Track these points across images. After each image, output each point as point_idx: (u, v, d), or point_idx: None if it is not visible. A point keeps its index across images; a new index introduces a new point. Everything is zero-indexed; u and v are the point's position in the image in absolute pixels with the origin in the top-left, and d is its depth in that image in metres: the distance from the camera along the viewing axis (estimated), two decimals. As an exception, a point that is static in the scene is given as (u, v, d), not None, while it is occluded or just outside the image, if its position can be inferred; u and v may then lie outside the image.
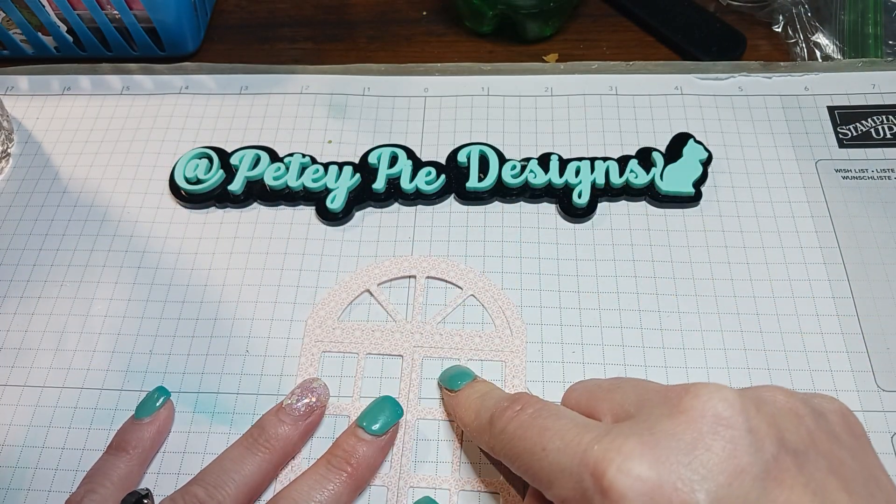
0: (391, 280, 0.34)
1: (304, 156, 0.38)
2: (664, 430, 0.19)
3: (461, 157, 0.37)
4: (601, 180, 0.36)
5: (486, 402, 0.26)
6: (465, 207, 0.36)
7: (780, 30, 0.44)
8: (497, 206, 0.37)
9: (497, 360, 0.32)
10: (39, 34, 0.43)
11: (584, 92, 0.40)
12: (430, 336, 0.32)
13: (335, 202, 0.36)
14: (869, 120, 0.38)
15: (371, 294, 0.34)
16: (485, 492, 0.28)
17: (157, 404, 0.30)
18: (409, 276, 0.34)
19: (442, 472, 0.29)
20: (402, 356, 0.32)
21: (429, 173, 0.37)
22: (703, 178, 0.36)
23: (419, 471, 0.29)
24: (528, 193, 0.36)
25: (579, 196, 0.35)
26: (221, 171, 0.37)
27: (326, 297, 0.33)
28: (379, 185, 0.37)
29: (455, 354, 0.32)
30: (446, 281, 0.34)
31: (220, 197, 0.37)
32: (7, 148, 0.39)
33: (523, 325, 0.32)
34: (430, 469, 0.29)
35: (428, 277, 0.34)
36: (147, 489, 0.26)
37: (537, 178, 0.36)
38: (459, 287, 0.33)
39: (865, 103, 0.39)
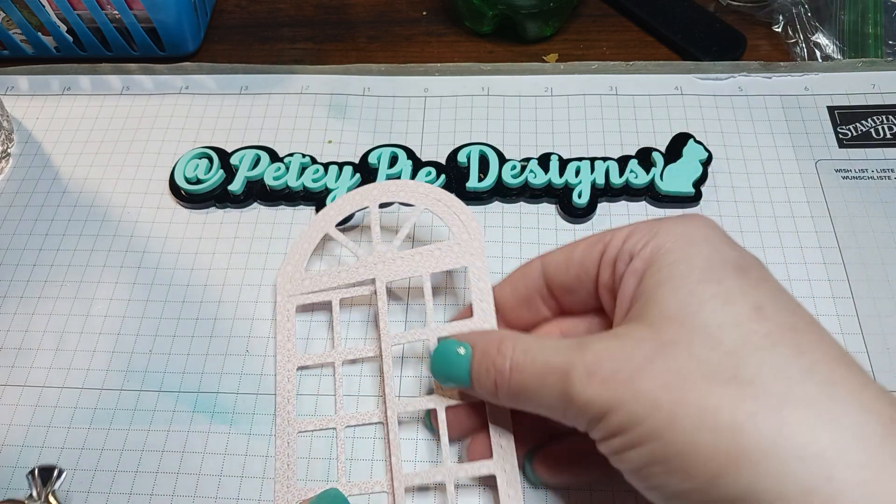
0: (347, 218, 0.34)
1: (304, 156, 0.38)
2: None
3: (461, 157, 0.37)
4: (601, 180, 0.36)
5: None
6: (465, 207, 0.36)
7: (780, 30, 0.44)
8: (497, 206, 0.37)
9: (460, 269, 0.32)
10: (39, 34, 0.43)
11: (584, 92, 0.40)
12: (391, 262, 0.31)
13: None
14: (869, 120, 0.38)
15: (331, 237, 0.33)
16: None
17: None
18: (363, 209, 0.33)
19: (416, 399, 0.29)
20: (373, 289, 0.31)
21: (429, 173, 0.37)
22: (703, 178, 0.36)
23: (405, 403, 0.29)
24: (528, 193, 0.36)
25: (579, 196, 0.35)
26: (221, 171, 0.37)
27: (290, 251, 0.33)
28: (379, 184, 0.37)
29: (418, 272, 0.31)
30: (399, 203, 0.33)
31: (220, 197, 0.37)
32: (7, 148, 0.39)
33: (479, 226, 0.31)
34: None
35: (381, 204, 0.33)
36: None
37: (537, 178, 0.36)
38: (412, 205, 0.32)
39: (865, 103, 0.39)
